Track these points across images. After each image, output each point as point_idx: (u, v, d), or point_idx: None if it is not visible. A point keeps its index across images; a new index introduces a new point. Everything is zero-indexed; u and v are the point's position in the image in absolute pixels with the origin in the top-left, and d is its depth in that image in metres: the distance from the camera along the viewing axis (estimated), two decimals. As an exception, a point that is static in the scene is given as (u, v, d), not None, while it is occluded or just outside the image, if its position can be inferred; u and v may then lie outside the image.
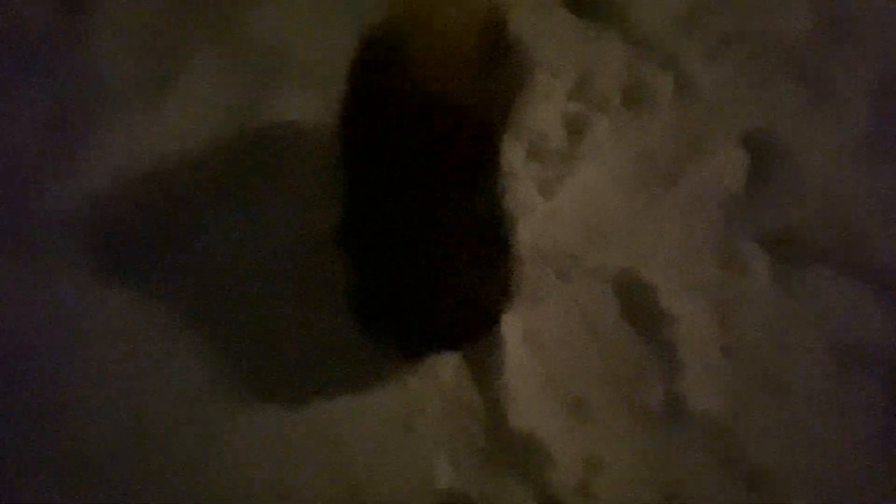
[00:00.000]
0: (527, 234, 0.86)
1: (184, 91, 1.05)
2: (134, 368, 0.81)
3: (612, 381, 0.81)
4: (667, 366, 0.81)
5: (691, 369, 0.81)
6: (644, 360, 0.82)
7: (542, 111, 1.02)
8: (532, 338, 0.82)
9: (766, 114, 1.07)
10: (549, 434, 0.75)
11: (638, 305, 0.87)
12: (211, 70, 1.09)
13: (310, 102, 0.99)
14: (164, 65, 1.08)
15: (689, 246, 0.93)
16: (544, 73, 1.08)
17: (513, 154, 0.93)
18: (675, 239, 0.94)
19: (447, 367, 0.81)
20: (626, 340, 0.84)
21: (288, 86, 1.04)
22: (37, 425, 0.76)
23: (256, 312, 0.85)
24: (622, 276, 0.89)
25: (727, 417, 0.78)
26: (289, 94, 1.03)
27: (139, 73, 1.09)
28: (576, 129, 1.02)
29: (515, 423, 0.75)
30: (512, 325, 0.82)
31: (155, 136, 1.02)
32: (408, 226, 0.60)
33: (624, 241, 0.92)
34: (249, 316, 0.85)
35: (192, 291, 0.88)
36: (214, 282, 0.89)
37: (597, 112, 1.05)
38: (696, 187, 1.00)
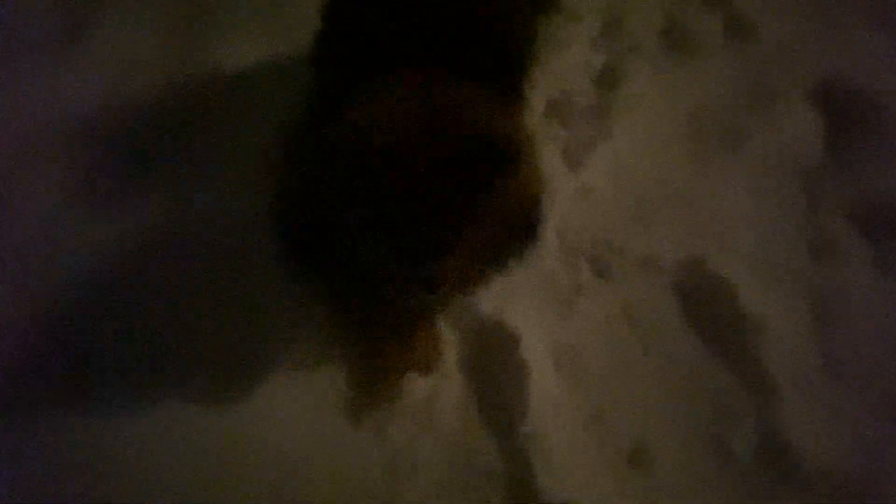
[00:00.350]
0: (552, 218, 0.62)
1: (101, 39, 0.82)
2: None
3: (681, 417, 0.57)
4: (755, 392, 0.58)
5: (790, 397, 0.58)
6: (723, 384, 0.59)
7: (564, 61, 0.79)
8: (565, 361, 0.59)
9: (841, 60, 0.84)
10: (596, 504, 0.52)
11: (707, 308, 0.63)
12: (132, 11, 0.85)
13: (249, 48, 0.76)
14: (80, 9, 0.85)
15: (765, 227, 0.70)
16: (561, 17, 0.86)
17: (528, 114, 0.69)
18: (747, 219, 0.71)
19: (446, 403, 0.58)
20: (694, 358, 0.61)
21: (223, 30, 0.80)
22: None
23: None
24: (682, 270, 0.65)
25: (846, 467, 0.55)
26: (224, 39, 0.79)
27: (52, 21, 0.86)
28: (607, 81, 0.79)
29: (548, 488, 0.52)
30: (537, 344, 0.59)
31: (71, 90, 0.80)
32: None
33: (679, 224, 0.69)
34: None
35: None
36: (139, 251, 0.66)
37: (633, 59, 0.81)
38: (765, 152, 0.77)
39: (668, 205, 0.69)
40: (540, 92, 0.74)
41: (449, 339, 0.60)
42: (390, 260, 0.42)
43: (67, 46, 0.84)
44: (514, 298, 0.62)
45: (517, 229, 0.47)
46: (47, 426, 0.57)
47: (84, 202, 0.69)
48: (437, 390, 0.59)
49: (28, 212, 0.70)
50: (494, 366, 0.60)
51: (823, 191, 0.75)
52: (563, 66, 0.80)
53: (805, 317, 0.64)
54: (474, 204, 0.41)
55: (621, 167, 0.71)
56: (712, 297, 0.63)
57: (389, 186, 0.39)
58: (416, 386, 0.58)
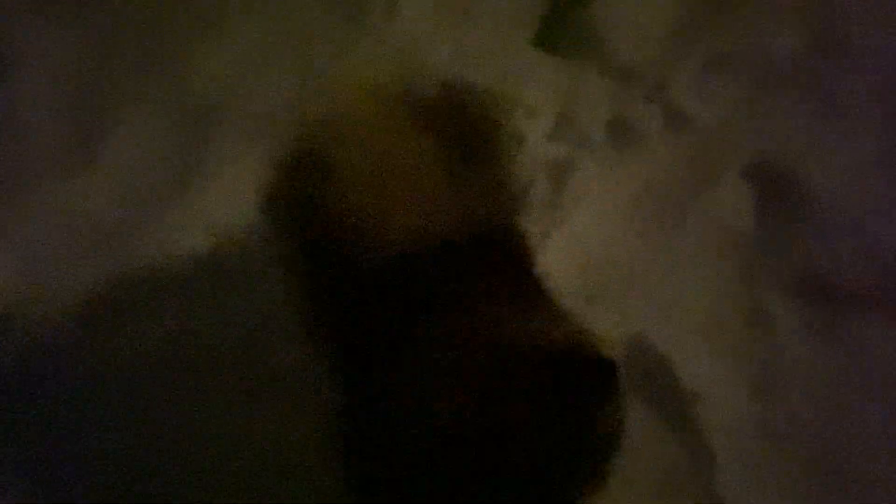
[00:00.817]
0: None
1: (114, 152, 0.95)
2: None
3: (627, 487, 0.64)
4: (696, 460, 0.65)
5: (727, 464, 0.64)
6: (667, 454, 0.66)
7: (520, 158, 0.90)
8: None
9: (767, 140, 0.95)
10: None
11: (650, 381, 0.71)
12: (144, 126, 0.99)
13: (249, 161, 0.88)
14: (95, 123, 0.99)
15: (704, 301, 0.78)
16: (518, 115, 0.98)
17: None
18: (687, 293, 0.79)
19: None
20: (640, 429, 0.68)
21: (225, 143, 0.93)
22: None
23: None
24: (626, 345, 0.73)
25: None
26: (226, 151, 0.92)
27: (67, 133, 1.00)
28: (559, 174, 0.89)
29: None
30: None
31: (84, 202, 0.92)
32: None
33: (624, 302, 0.78)
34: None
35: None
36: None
37: (582, 151, 0.93)
38: (704, 230, 0.87)
39: (613, 284, 0.78)
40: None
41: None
42: None
43: (76, 159, 0.97)
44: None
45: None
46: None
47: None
48: None
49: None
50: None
51: (759, 264, 0.84)
52: (519, 160, 0.91)
53: (742, 386, 0.71)
54: None
55: (571, 253, 0.81)
56: (655, 371, 0.70)
57: None
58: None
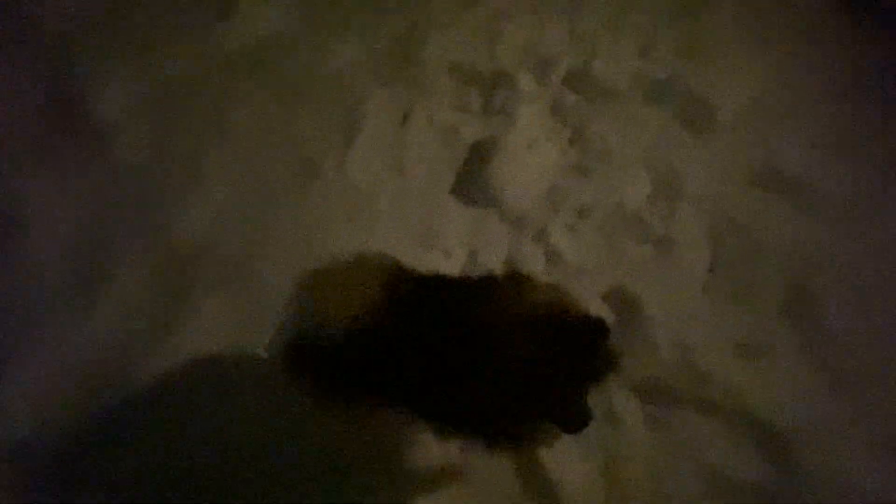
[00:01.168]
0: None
1: (109, 299, 1.18)
2: None
3: None
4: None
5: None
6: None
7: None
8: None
9: (620, 273, 1.30)
10: None
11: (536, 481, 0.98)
12: (136, 274, 1.22)
13: (225, 310, 1.13)
14: (92, 270, 1.22)
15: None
16: (437, 256, 1.29)
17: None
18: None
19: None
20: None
21: (204, 284, 1.18)
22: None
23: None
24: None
25: None
26: (205, 292, 1.16)
27: (70, 282, 1.21)
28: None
29: None
30: None
31: (82, 343, 1.12)
32: None
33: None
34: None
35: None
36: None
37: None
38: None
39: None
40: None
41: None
42: None
43: (80, 298, 1.18)
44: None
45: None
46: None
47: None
48: None
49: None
50: None
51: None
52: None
53: (595, 472, 0.98)
54: None
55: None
56: (539, 474, 0.97)
57: None
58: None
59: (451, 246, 1.31)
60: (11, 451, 0.98)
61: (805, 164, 1.64)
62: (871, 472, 1.02)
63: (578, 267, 1.29)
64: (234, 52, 1.87)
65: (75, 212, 1.29)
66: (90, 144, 1.44)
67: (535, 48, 1.98)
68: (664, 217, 1.41)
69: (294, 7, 2.10)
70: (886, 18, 2.50)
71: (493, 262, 1.29)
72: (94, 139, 1.45)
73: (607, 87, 1.79)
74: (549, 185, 1.45)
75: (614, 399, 1.09)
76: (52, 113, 1.53)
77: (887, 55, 2.33)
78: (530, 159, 1.52)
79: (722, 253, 1.37)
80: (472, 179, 1.45)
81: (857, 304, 1.30)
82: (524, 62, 1.89)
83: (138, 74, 1.66)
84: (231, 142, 1.48)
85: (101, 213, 1.30)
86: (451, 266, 1.27)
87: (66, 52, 1.69)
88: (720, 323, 1.23)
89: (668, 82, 1.85)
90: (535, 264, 1.29)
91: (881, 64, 2.28)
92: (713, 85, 1.87)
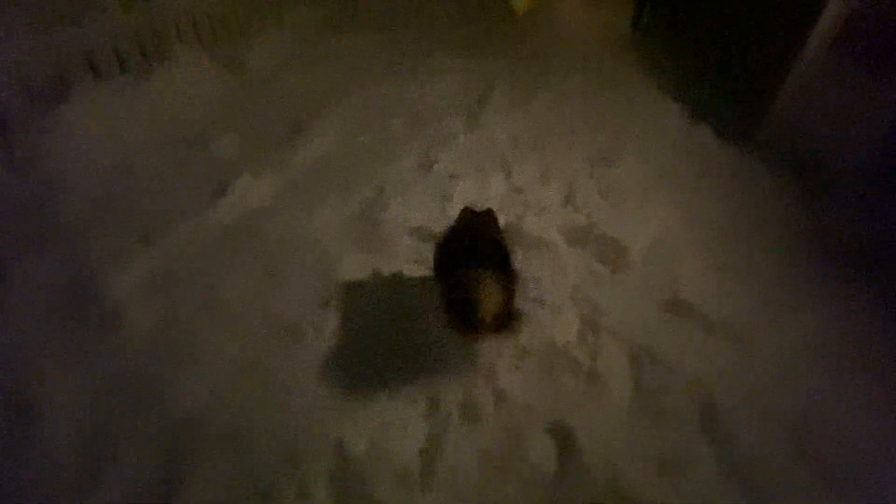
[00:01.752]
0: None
1: (115, 479, 1.32)
2: None
3: None
4: None
5: None
6: None
7: (400, 442, 1.40)
8: None
9: (558, 406, 1.53)
10: None
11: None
12: (139, 452, 1.38)
13: (220, 484, 1.29)
14: (100, 450, 1.36)
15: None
16: (401, 401, 1.51)
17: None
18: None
19: None
20: None
21: (201, 465, 1.34)
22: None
23: None
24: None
25: None
26: (200, 475, 1.32)
27: (79, 461, 1.35)
28: (430, 450, 1.39)
29: None
30: None
31: None
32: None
33: None
34: None
35: None
36: None
37: (445, 432, 1.44)
38: (525, 475, 1.36)
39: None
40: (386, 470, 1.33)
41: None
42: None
43: (88, 479, 1.32)
44: None
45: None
46: None
47: None
48: None
49: None
50: None
51: (559, 494, 1.32)
52: (400, 444, 1.40)
53: None
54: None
55: None
56: None
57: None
58: None
59: (413, 396, 1.53)
60: None
61: (706, 290, 1.99)
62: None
63: (524, 404, 1.52)
64: (228, 225, 2.22)
65: (85, 393, 1.47)
66: (99, 327, 1.68)
67: (479, 205, 2.42)
68: (591, 352, 1.69)
69: (280, 181, 2.54)
70: (763, 151, 3.12)
71: (452, 406, 1.51)
72: (103, 321, 1.69)
73: (537, 236, 2.18)
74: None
75: None
76: (66, 299, 1.78)
77: (769, 182, 2.88)
78: (478, 306, 1.82)
79: (642, 379, 1.63)
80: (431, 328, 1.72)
81: (761, 416, 1.55)
82: (470, 219, 2.30)
83: (144, 257, 1.97)
84: (223, 315, 1.74)
85: (109, 392, 1.49)
86: (416, 411, 1.49)
87: (81, 244, 2.00)
88: (645, 444, 1.45)
89: (588, 227, 2.27)
90: (486, 405, 1.51)
91: (765, 190, 2.81)
92: (625, 226, 2.30)
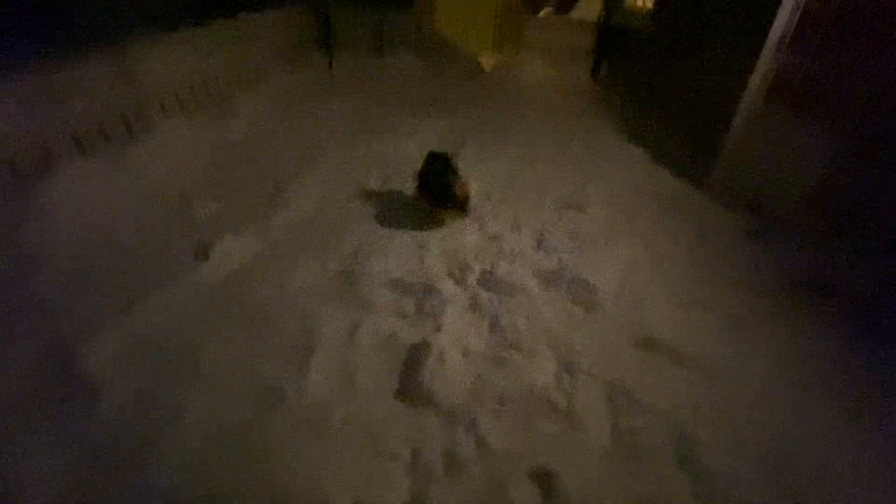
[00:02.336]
0: None
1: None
2: None
3: None
4: None
5: None
6: None
7: (384, 498, 1.40)
8: None
9: (539, 451, 1.56)
10: None
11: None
12: None
13: None
14: None
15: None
16: (385, 459, 1.52)
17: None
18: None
19: None
20: None
21: None
22: None
23: None
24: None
25: None
26: None
27: None
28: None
29: None
30: None
31: None
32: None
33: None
34: None
35: None
36: None
37: (428, 485, 1.45)
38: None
39: None
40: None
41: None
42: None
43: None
44: None
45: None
46: None
47: None
48: None
49: None
50: None
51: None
52: (383, 501, 1.40)
53: None
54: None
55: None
56: None
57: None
58: None
59: (396, 449, 1.54)
60: None
61: (674, 325, 2.09)
62: None
63: (505, 450, 1.54)
64: (210, 288, 2.26)
65: (64, 469, 1.44)
66: (77, 400, 1.66)
67: (455, 255, 2.52)
68: (568, 393, 1.74)
69: (260, 242, 2.61)
70: (717, 190, 3.33)
71: (433, 458, 1.52)
72: (81, 395, 1.68)
73: (512, 282, 2.27)
74: (473, 377, 1.78)
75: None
76: (43, 374, 1.77)
77: (724, 219, 3.07)
78: (457, 355, 1.87)
79: (619, 417, 1.68)
80: (411, 383, 1.75)
81: (736, 447, 1.60)
82: (447, 269, 2.39)
83: (123, 326, 1.98)
84: (203, 379, 1.75)
85: (89, 466, 1.46)
86: (396, 468, 1.49)
87: (58, 317, 2.01)
88: (626, 482, 1.47)
89: (559, 270, 2.37)
90: (468, 455, 1.53)
91: (721, 227, 2.99)
92: (595, 267, 2.42)
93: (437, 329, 1.99)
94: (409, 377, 1.78)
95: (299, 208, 2.95)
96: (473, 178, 3.41)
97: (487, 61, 7.64)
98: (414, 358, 1.86)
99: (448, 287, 2.26)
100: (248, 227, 2.69)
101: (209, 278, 2.32)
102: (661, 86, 4.66)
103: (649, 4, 5.18)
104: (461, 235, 2.72)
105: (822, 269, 2.34)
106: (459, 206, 2.76)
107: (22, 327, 1.95)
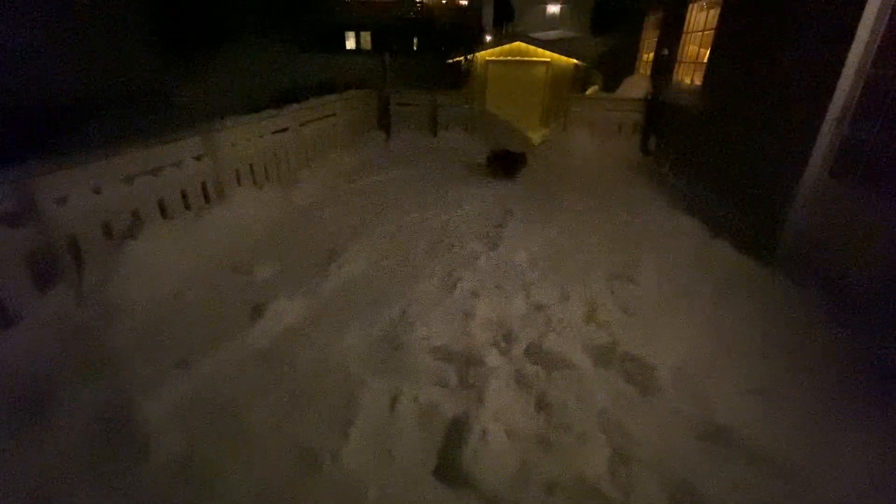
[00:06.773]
0: None
1: None
2: None
3: None
4: None
5: None
6: None
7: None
8: None
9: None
10: None
11: None
12: None
13: None
14: None
15: None
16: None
17: None
18: None
19: None
20: None
21: None
22: None
23: None
24: None
25: None
26: None
27: None
28: None
29: None
30: None
31: None
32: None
33: None
34: None
35: None
36: None
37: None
38: None
39: None
40: None
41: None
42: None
43: None
44: None
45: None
46: None
47: None
48: None
49: None
50: None
51: None
52: None
53: None
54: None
55: None
56: None
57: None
58: None
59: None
60: None
61: (743, 413, 1.88)
62: None
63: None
64: (261, 348, 2.33)
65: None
66: (129, 456, 1.71)
67: (500, 323, 2.47)
68: (624, 488, 1.57)
69: (311, 304, 2.70)
70: (786, 265, 3.11)
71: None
72: (133, 451, 1.73)
73: (560, 355, 2.17)
74: (518, 460, 1.66)
75: None
76: (102, 428, 1.85)
77: (795, 297, 2.83)
78: (501, 433, 1.76)
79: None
80: (451, 461, 1.66)
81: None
82: (492, 339, 2.34)
83: (178, 383, 2.06)
84: (246, 441, 1.76)
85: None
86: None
87: (122, 370, 2.13)
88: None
89: (612, 346, 2.25)
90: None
91: (792, 305, 2.75)
92: (650, 344, 2.27)
93: (480, 401, 1.91)
94: (450, 454, 1.70)
95: (350, 272, 3.06)
96: (520, 246, 3.45)
97: (535, 135, 7.95)
98: (455, 433, 1.78)
99: (492, 357, 2.19)
100: (301, 289, 2.80)
101: (261, 339, 2.41)
102: (714, 159, 4.59)
103: (698, 81, 5.26)
104: (508, 304, 2.68)
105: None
106: (512, 172, 5.42)
107: (89, 380, 2.08)
